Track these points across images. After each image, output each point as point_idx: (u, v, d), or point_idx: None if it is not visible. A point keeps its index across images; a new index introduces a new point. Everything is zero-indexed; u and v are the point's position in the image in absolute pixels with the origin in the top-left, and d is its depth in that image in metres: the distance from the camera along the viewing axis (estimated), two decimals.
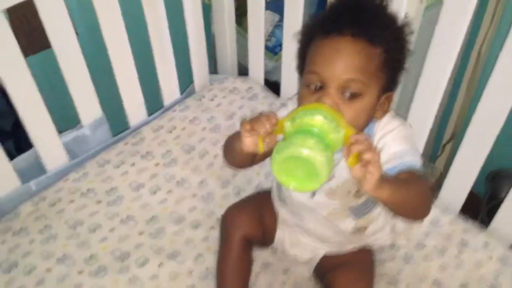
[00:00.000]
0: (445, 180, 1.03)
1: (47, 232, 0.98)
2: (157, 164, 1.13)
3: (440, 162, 1.50)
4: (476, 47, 1.26)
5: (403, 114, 1.02)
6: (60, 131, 1.12)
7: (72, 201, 1.05)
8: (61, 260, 0.94)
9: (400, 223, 0.96)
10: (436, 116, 0.98)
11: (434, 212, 1.00)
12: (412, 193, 0.69)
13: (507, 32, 0.81)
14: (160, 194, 1.07)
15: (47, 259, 0.94)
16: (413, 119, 1.00)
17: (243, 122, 0.69)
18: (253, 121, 0.69)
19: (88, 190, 1.07)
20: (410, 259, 0.93)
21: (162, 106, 1.30)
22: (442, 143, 1.47)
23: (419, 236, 0.96)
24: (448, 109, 1.43)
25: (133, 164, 1.13)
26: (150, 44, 1.18)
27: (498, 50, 0.83)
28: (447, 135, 1.45)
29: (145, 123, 1.24)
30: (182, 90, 1.34)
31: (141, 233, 0.99)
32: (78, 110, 1.13)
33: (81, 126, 1.15)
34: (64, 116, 1.15)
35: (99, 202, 1.05)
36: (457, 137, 1.43)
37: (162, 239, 0.98)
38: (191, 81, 1.35)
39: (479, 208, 1.33)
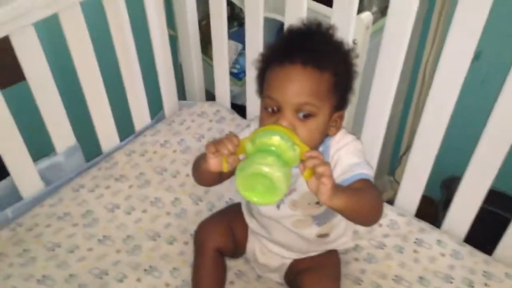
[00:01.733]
0: (399, 187, 1.12)
1: (26, 255, 1.01)
2: (131, 186, 1.17)
3: (399, 173, 1.60)
4: (422, 67, 1.38)
5: (359, 130, 1.11)
6: (35, 159, 1.15)
7: (49, 225, 1.08)
8: (41, 281, 0.96)
9: (362, 227, 1.04)
10: (391, 130, 1.08)
11: (391, 215, 1.09)
12: (365, 200, 0.76)
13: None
14: (135, 213, 1.11)
15: (27, 281, 0.96)
16: (366, 133, 1.09)
17: (207, 145, 0.77)
18: (217, 143, 0.75)
19: (64, 214, 1.10)
20: (372, 259, 1.00)
21: (133, 132, 1.35)
22: (399, 155, 1.57)
23: (379, 238, 1.04)
24: (402, 124, 1.54)
25: (107, 187, 1.17)
26: (120, 73, 1.25)
27: None
28: (403, 148, 1.56)
29: (118, 148, 1.29)
30: (152, 116, 1.40)
31: (118, 251, 1.03)
32: (52, 138, 1.17)
33: (56, 154, 1.19)
34: (39, 145, 1.18)
35: (75, 224, 1.08)
36: (411, 149, 1.54)
37: (139, 256, 1.02)
38: (160, 108, 1.41)
39: (437, 212, 1.43)
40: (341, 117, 0.83)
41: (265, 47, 0.87)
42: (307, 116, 0.76)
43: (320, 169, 0.67)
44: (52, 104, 1.13)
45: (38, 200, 1.14)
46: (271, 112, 0.78)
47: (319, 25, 0.82)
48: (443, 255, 1.00)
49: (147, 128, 1.36)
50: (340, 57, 0.81)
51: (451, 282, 0.95)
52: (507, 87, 0.85)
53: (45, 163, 1.18)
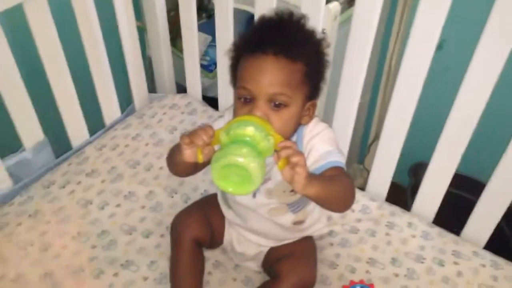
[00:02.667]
0: (370, 173, 1.15)
1: None
2: (103, 181, 1.16)
3: (368, 161, 1.64)
4: (388, 57, 1.42)
5: (330, 118, 1.14)
6: (2, 155, 1.12)
7: (19, 224, 1.05)
8: (15, 281, 0.94)
9: (335, 213, 1.07)
10: (360, 120, 1.11)
11: (363, 200, 1.12)
12: (338, 187, 0.78)
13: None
14: (108, 208, 1.10)
15: (1, 280, 0.94)
16: (337, 122, 1.12)
17: (182, 136, 0.76)
18: (192, 134, 0.76)
19: (35, 211, 1.08)
20: (346, 243, 1.03)
21: (103, 126, 1.33)
22: (368, 143, 1.61)
23: (352, 223, 1.07)
24: (370, 113, 1.58)
25: (79, 183, 1.15)
26: (88, 66, 1.22)
27: None
28: (371, 137, 1.60)
29: (88, 143, 1.27)
30: (122, 110, 1.38)
31: (93, 247, 1.02)
32: (20, 134, 1.14)
33: (24, 150, 1.16)
34: (6, 141, 1.15)
35: (48, 222, 1.06)
36: (380, 137, 1.58)
37: (114, 250, 1.01)
38: (130, 101, 1.40)
39: (406, 197, 1.48)
40: (314, 106, 0.85)
41: (238, 37, 0.87)
42: (280, 106, 0.77)
43: (294, 159, 0.68)
44: (19, 99, 1.10)
45: (7, 198, 1.11)
46: (245, 102, 0.79)
47: (291, 14, 0.83)
48: (413, 236, 1.04)
49: (117, 122, 1.34)
50: (312, 46, 0.82)
51: (423, 262, 0.98)
52: (470, 75, 0.89)
53: (13, 159, 1.15)
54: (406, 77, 0.97)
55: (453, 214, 1.10)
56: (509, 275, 0.96)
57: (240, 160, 0.67)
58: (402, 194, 1.50)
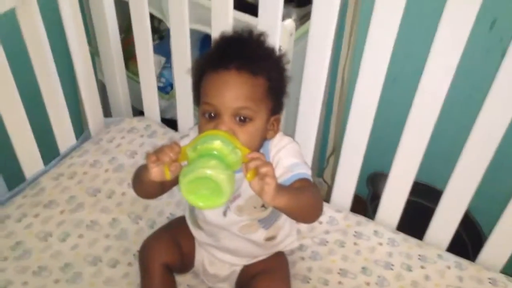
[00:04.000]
0: (334, 185, 1.17)
1: None
2: (62, 211, 1.11)
3: (327, 173, 1.68)
4: (340, 69, 1.46)
5: (290, 132, 1.15)
6: None
7: None
8: None
9: (304, 226, 1.08)
10: (317, 133, 1.13)
11: (329, 212, 1.13)
12: (306, 198, 0.80)
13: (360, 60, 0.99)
14: (70, 240, 1.05)
15: None
16: (298, 135, 1.14)
17: (148, 154, 0.75)
18: (158, 152, 0.75)
19: None
20: (316, 256, 1.04)
21: (58, 154, 1.28)
22: (326, 156, 1.65)
23: (321, 235, 1.08)
24: (326, 126, 1.62)
25: (36, 215, 1.09)
26: (39, 93, 1.18)
27: (357, 72, 1.00)
28: (329, 149, 1.64)
29: (43, 173, 1.21)
30: (76, 137, 1.34)
31: (56, 281, 0.97)
32: None
33: None
34: None
35: (5, 258, 1.00)
36: (337, 150, 1.62)
37: (80, 284, 0.97)
38: (82, 127, 1.35)
39: (364, 208, 1.51)
40: (278, 121, 0.86)
41: (200, 55, 0.87)
42: (245, 120, 0.78)
43: (263, 170, 0.69)
44: None
45: None
46: (209, 118, 0.79)
47: (250, 32, 0.85)
48: (380, 244, 1.06)
49: (72, 149, 1.30)
50: (272, 62, 0.84)
51: (392, 269, 1.01)
52: (423, 83, 0.93)
53: None
54: (363, 90, 1.00)
55: (411, 221, 1.15)
56: (474, 274, 1.00)
57: (209, 172, 0.67)
58: (361, 204, 1.54)
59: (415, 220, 1.12)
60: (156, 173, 0.75)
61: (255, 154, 0.72)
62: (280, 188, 0.71)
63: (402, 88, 1.24)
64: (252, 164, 0.70)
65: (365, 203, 1.54)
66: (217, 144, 0.71)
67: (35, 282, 0.96)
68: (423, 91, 0.94)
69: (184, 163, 0.75)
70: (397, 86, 1.26)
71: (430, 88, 0.93)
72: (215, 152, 0.70)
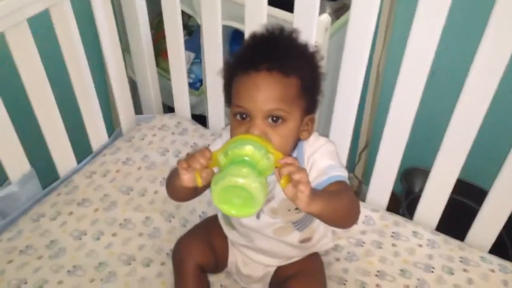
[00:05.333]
0: (370, 183, 1.14)
1: None
2: (96, 210, 1.11)
3: (358, 169, 1.64)
4: (375, 62, 1.42)
5: (322, 130, 1.13)
6: None
7: (11, 261, 0.99)
8: None
9: None
10: None
11: (365, 212, 1.10)
12: (341, 202, 0.77)
13: (399, 51, 0.95)
14: (104, 238, 1.05)
15: None
16: (333, 133, 1.11)
17: (179, 161, 0.75)
18: (189, 159, 0.74)
19: (26, 247, 1.02)
20: (352, 257, 1.01)
21: (90, 152, 1.28)
22: (358, 152, 1.61)
23: (357, 235, 1.05)
24: (358, 121, 1.58)
25: (70, 213, 1.10)
26: (73, 91, 1.18)
27: (393, 64, 0.96)
28: (361, 144, 1.60)
29: (76, 171, 1.22)
30: (109, 135, 1.34)
31: (92, 281, 0.97)
32: (5, 166, 1.08)
33: (9, 183, 1.11)
34: None
35: (40, 257, 1.01)
36: (370, 145, 1.58)
37: (114, 283, 0.96)
38: (113, 125, 1.35)
39: (398, 204, 1.47)
40: (312, 121, 0.84)
41: (230, 56, 0.85)
42: (278, 122, 0.76)
43: (297, 176, 0.67)
44: (3, 130, 1.05)
45: None
46: (241, 121, 0.77)
47: (282, 30, 0.82)
48: (420, 245, 1.03)
49: (105, 147, 1.30)
50: (305, 60, 0.81)
51: (432, 271, 0.97)
52: (471, 79, 0.89)
53: None
54: (405, 85, 0.96)
55: (448, 219, 1.10)
56: None
57: (241, 181, 0.65)
58: (394, 200, 1.50)
59: (452, 218, 1.08)
60: (188, 180, 0.74)
61: (288, 160, 0.69)
62: (315, 194, 0.69)
63: (440, 81, 1.19)
64: (285, 171, 0.68)
65: (398, 199, 1.50)
66: (248, 149, 0.68)
67: (70, 281, 0.96)
68: (470, 88, 0.90)
69: (216, 168, 0.73)
70: (435, 80, 1.21)
71: (478, 84, 0.88)
72: (247, 158, 0.68)
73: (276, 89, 0.75)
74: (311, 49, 0.83)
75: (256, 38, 0.82)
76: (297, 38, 0.82)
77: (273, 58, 0.76)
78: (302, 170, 0.68)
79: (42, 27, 1.06)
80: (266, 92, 0.75)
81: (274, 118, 0.75)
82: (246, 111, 0.76)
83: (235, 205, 0.68)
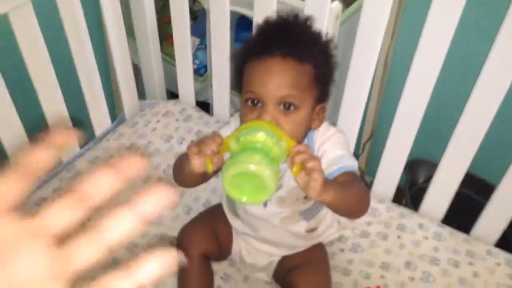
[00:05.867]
0: (376, 174, 1.13)
1: None
2: None
3: (362, 160, 1.63)
4: (383, 53, 1.40)
5: (330, 119, 1.11)
6: None
7: None
8: None
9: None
10: None
11: (371, 202, 1.09)
12: (352, 192, 0.77)
13: (407, 40, 0.93)
14: None
15: None
16: (342, 123, 1.09)
17: (189, 146, 0.73)
18: (200, 143, 0.73)
19: None
20: (357, 248, 1.01)
21: (93, 137, 1.27)
22: (362, 142, 1.60)
23: (362, 226, 1.04)
24: (364, 111, 1.56)
25: None
26: (76, 75, 1.16)
27: (400, 54, 0.94)
28: (365, 135, 1.59)
29: (79, 156, 1.21)
30: (112, 119, 1.32)
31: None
32: (7, 149, 1.07)
33: None
34: None
35: None
36: (375, 136, 1.57)
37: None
38: (116, 110, 1.34)
39: (401, 195, 1.47)
40: (324, 110, 0.83)
41: (244, 41, 0.84)
42: (290, 109, 0.75)
43: (310, 164, 0.66)
44: (5, 113, 1.03)
45: None
46: (252, 107, 0.76)
47: (296, 16, 0.81)
48: (426, 238, 1.02)
49: (108, 132, 1.28)
50: (319, 48, 0.80)
51: (438, 264, 0.97)
52: (485, 72, 0.87)
53: None
54: (418, 74, 0.94)
55: (453, 211, 1.10)
56: None
57: (253, 168, 0.64)
58: (398, 191, 1.49)
59: (457, 211, 1.07)
60: (198, 165, 0.73)
61: (301, 147, 0.68)
62: (327, 183, 0.68)
63: (447, 73, 1.18)
64: (298, 158, 0.67)
65: (402, 190, 1.49)
66: (260, 136, 0.67)
67: None
68: (485, 80, 0.88)
69: (226, 154, 0.72)
70: (446, 70, 1.20)
71: (491, 80, 0.86)
72: (259, 145, 0.67)
73: (290, 75, 0.74)
74: (325, 37, 0.82)
75: (270, 23, 0.81)
76: (312, 26, 0.81)
77: (288, 44, 0.75)
78: (315, 158, 0.67)
79: (46, 9, 1.04)
80: (279, 78, 0.74)
81: (286, 105, 0.74)
82: (257, 97, 0.74)
83: (246, 192, 0.68)
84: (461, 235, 1.03)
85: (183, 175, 0.83)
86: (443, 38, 0.88)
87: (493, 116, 0.90)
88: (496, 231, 1.01)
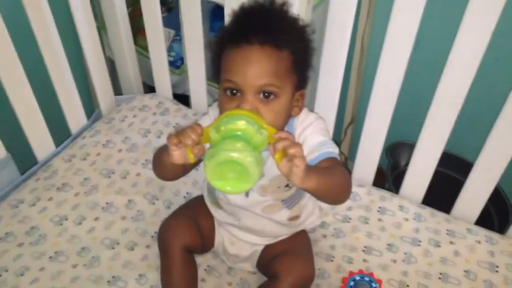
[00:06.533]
0: (356, 158, 1.13)
1: None
2: (77, 194, 1.08)
3: (345, 145, 1.63)
4: (359, 38, 1.39)
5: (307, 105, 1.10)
6: None
7: None
8: None
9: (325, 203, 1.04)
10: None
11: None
12: (335, 178, 0.76)
13: (383, 25, 0.92)
14: (86, 223, 1.02)
15: None
16: (319, 108, 1.09)
17: (169, 137, 0.72)
18: (179, 134, 0.71)
19: (6, 234, 0.99)
20: (339, 233, 1.01)
21: (69, 135, 1.25)
22: (344, 127, 1.59)
23: (344, 211, 1.04)
24: (343, 96, 1.56)
25: (50, 199, 1.07)
26: (46, 72, 1.13)
27: (377, 39, 0.94)
28: (347, 120, 1.58)
29: (55, 155, 1.18)
30: (87, 116, 1.30)
31: (74, 266, 0.95)
32: None
33: None
34: None
35: (21, 244, 0.98)
36: (356, 121, 1.57)
37: (98, 268, 0.94)
38: (92, 106, 1.31)
39: (384, 179, 1.47)
40: (303, 96, 0.82)
41: (220, 28, 0.82)
42: (269, 97, 0.74)
43: (292, 151, 0.65)
44: None
45: None
46: (232, 96, 0.75)
47: (272, 2, 0.79)
48: (406, 219, 1.02)
49: (84, 129, 1.26)
50: (297, 34, 0.79)
51: (419, 245, 0.97)
52: (455, 52, 0.87)
53: None
54: (390, 57, 0.94)
55: (434, 192, 1.10)
56: (506, 249, 0.96)
57: (235, 155, 0.63)
58: (380, 175, 1.49)
59: (438, 191, 1.08)
60: (178, 156, 0.72)
61: (283, 134, 0.68)
62: (309, 169, 0.68)
63: (424, 52, 1.18)
64: (280, 145, 0.66)
65: (384, 174, 1.50)
66: (241, 124, 0.67)
67: (52, 267, 0.94)
68: (455, 58, 0.88)
69: (207, 145, 0.71)
70: (420, 51, 1.20)
71: (463, 54, 0.86)
72: (240, 133, 0.67)
73: (269, 63, 0.73)
74: (302, 22, 0.81)
75: (246, 10, 0.80)
76: (288, 11, 0.80)
77: (265, 31, 0.74)
78: (297, 144, 0.66)
79: (11, 6, 1.01)
80: (258, 66, 0.73)
81: (266, 94, 0.73)
82: (237, 86, 0.73)
83: (229, 181, 0.67)
84: (441, 215, 1.04)
85: (163, 167, 0.82)
86: (412, 17, 0.87)
87: (465, 94, 0.90)
88: (476, 209, 1.02)
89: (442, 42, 0.89)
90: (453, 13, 0.86)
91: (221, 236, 0.95)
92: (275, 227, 0.89)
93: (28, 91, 1.10)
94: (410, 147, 1.42)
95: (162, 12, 1.55)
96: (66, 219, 1.03)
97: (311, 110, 1.05)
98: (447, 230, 1.00)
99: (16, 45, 1.03)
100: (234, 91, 0.74)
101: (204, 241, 0.94)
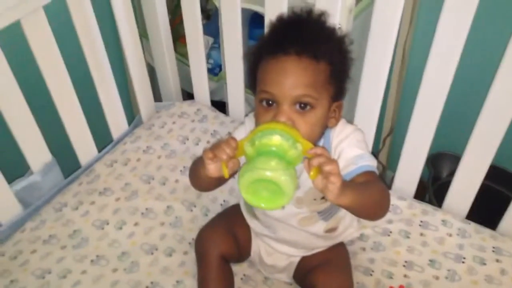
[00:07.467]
0: (397, 170, 1.10)
1: (14, 286, 0.93)
2: (117, 199, 1.10)
3: (382, 155, 1.60)
4: (400, 47, 1.37)
5: (346, 116, 1.09)
6: (10, 180, 1.06)
7: (34, 251, 1.00)
8: None
9: None
10: None
11: (392, 200, 1.05)
12: (372, 194, 0.74)
13: (425, 34, 0.90)
14: (126, 228, 1.04)
15: None
16: (358, 120, 1.07)
17: (205, 151, 0.73)
18: (215, 148, 0.72)
19: (49, 236, 1.02)
20: (379, 247, 0.98)
21: (111, 141, 1.27)
22: (382, 137, 1.56)
23: (384, 224, 1.02)
24: (383, 105, 1.53)
25: (92, 203, 1.09)
26: (91, 79, 1.16)
27: (418, 48, 0.91)
28: (385, 130, 1.55)
29: (97, 160, 1.21)
30: (129, 122, 1.33)
31: (115, 271, 0.96)
32: (26, 156, 1.08)
33: (31, 173, 1.10)
34: (12, 165, 1.09)
35: (64, 247, 1.01)
36: (395, 130, 1.53)
37: (137, 273, 0.96)
38: (133, 112, 1.34)
39: (424, 191, 1.43)
40: (340, 108, 0.81)
41: (258, 39, 0.82)
42: (305, 109, 0.73)
43: (328, 168, 0.64)
44: (22, 120, 1.04)
45: (17, 224, 1.05)
46: (267, 107, 0.74)
47: (310, 12, 0.79)
48: (450, 235, 0.99)
49: (125, 135, 1.29)
50: (335, 44, 0.78)
51: (463, 262, 0.94)
52: (505, 65, 0.84)
53: (21, 184, 1.09)
54: (435, 68, 0.91)
55: (479, 206, 1.06)
56: None
57: (270, 174, 0.63)
58: (421, 186, 1.45)
59: (483, 205, 1.04)
60: (213, 169, 0.72)
61: (318, 150, 0.67)
62: (345, 185, 0.66)
63: (467, 63, 1.14)
64: (316, 162, 0.65)
65: (425, 185, 1.45)
66: (276, 139, 0.66)
67: (93, 271, 0.96)
68: (505, 72, 0.84)
69: (242, 158, 0.71)
70: (465, 62, 1.17)
71: None
72: (274, 149, 0.66)
73: (305, 74, 0.73)
74: (340, 32, 0.80)
75: (283, 20, 0.80)
76: (326, 21, 0.79)
77: (302, 41, 0.73)
78: (332, 161, 0.65)
79: (58, 14, 1.05)
80: (294, 77, 0.72)
81: (302, 105, 0.73)
82: (272, 97, 0.73)
83: (264, 197, 0.67)
84: (487, 231, 1.00)
85: (198, 179, 0.82)
86: (460, 28, 0.85)
87: None
88: None
89: (488, 50, 0.86)
90: (503, 21, 0.83)
91: (258, 246, 0.95)
92: (311, 239, 0.88)
93: (74, 98, 1.13)
94: (452, 157, 1.39)
95: (201, 20, 1.58)
96: (108, 224, 1.05)
97: (351, 121, 1.04)
98: (493, 247, 0.96)
99: (63, 53, 1.06)
100: (270, 102, 0.74)
101: (241, 250, 0.94)
